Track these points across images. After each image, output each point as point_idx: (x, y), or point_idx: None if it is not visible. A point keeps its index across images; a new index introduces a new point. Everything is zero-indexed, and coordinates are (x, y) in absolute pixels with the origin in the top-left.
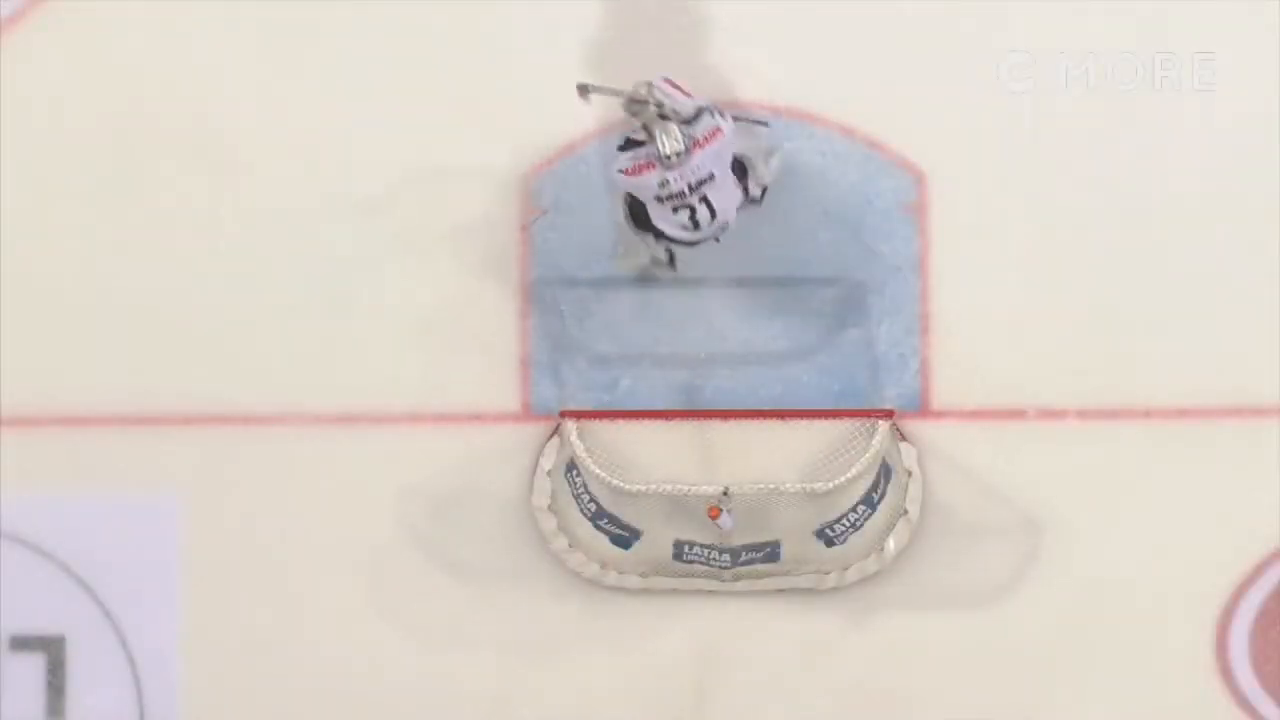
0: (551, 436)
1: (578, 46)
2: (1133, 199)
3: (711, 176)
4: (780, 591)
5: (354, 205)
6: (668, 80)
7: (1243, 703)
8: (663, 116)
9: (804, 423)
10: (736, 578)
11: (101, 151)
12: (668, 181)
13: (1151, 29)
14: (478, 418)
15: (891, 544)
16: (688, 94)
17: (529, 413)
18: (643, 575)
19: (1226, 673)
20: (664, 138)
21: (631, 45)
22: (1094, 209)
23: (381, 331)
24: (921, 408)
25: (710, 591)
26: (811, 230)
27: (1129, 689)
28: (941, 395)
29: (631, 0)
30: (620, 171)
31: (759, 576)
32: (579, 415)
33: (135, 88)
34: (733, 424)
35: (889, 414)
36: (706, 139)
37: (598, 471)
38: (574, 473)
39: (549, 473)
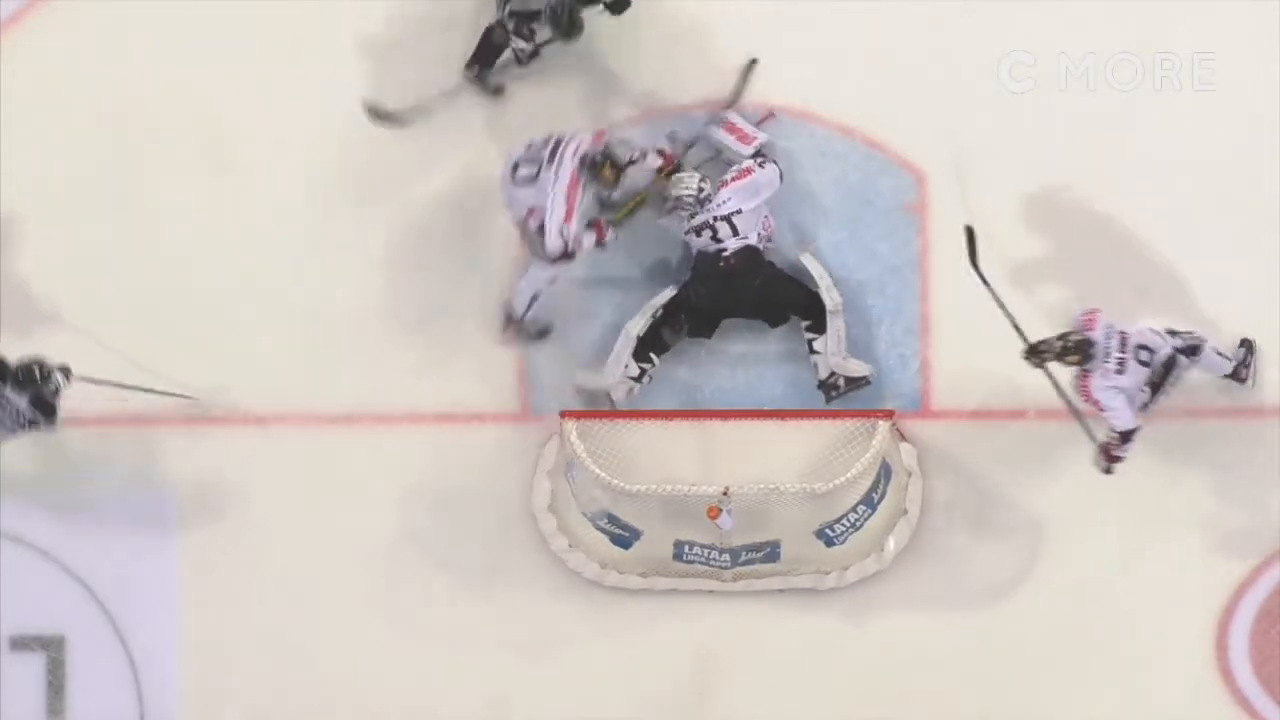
0: (551, 437)
1: (578, 47)
2: (1133, 199)
3: (739, 211)
4: (780, 591)
5: (353, 205)
6: (729, 124)
7: (1243, 703)
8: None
9: (804, 423)
10: (736, 578)
11: (101, 151)
12: (694, 216)
13: (1151, 29)
14: (478, 418)
15: (891, 544)
16: (748, 135)
17: (529, 413)
18: (643, 575)
19: (1226, 673)
20: (680, 185)
21: (633, 46)
22: (1094, 209)
23: (381, 331)
24: (921, 408)
25: (710, 591)
26: (812, 230)
27: (1129, 689)
28: (941, 395)
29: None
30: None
31: (759, 576)
32: (579, 415)
33: (135, 88)
34: (733, 424)
35: (889, 414)
36: (734, 178)
37: (598, 471)
38: (574, 473)
39: (549, 473)
